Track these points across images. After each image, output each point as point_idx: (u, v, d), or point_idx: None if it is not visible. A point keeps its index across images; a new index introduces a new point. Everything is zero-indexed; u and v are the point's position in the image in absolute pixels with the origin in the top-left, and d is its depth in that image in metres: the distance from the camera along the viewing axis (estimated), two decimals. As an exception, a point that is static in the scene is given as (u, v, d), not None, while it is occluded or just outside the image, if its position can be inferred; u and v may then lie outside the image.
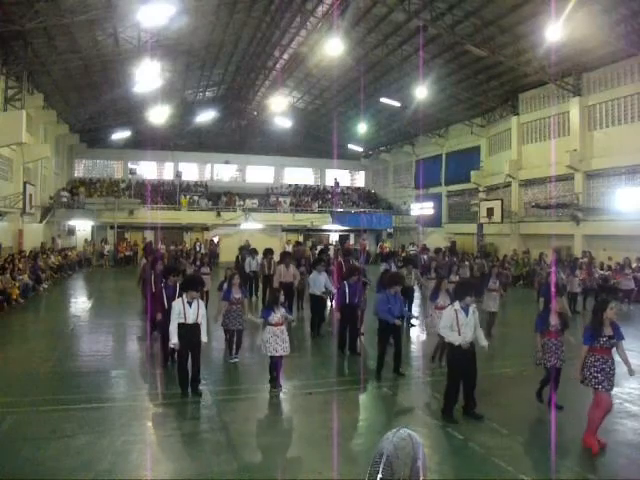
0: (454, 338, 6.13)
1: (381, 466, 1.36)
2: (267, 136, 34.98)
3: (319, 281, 10.95)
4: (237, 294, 8.62)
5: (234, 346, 8.79)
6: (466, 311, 6.23)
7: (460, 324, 6.14)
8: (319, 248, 21.68)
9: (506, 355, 9.55)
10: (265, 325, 7.30)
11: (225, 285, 9.06)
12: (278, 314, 7.27)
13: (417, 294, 13.10)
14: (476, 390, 6.33)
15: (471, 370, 6.25)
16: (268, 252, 14.13)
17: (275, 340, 7.16)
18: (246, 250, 16.91)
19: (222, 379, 8.05)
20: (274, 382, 7.32)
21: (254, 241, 22.77)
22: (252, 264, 15.16)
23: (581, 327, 7.98)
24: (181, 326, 6.84)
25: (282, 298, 7.50)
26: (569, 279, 13.83)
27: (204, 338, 7.00)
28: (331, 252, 18.72)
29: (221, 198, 33.29)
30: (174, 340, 6.78)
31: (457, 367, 6.19)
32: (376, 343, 8.24)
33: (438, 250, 17.75)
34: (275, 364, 7.30)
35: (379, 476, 1.35)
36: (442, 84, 23.33)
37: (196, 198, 32.70)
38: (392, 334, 7.98)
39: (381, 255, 28.22)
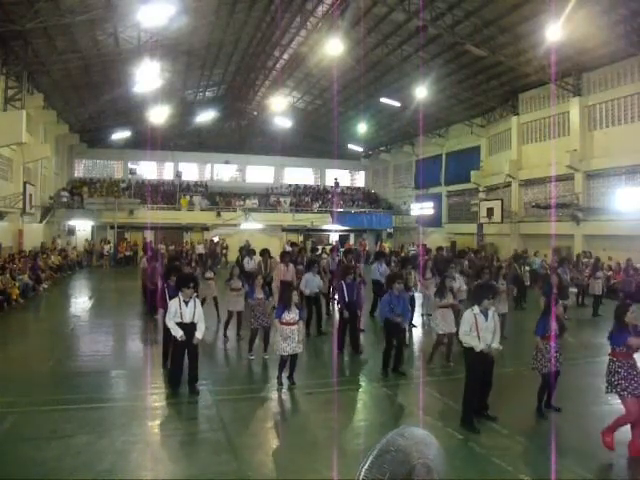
0: (474, 343, 5.92)
1: (367, 464, 1.33)
2: (267, 136, 34.94)
3: (312, 282, 11.19)
4: (259, 294, 8.79)
5: (263, 343, 8.91)
6: (485, 315, 6.05)
7: (480, 328, 5.94)
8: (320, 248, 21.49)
9: (506, 355, 9.52)
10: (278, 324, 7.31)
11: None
12: (292, 314, 7.22)
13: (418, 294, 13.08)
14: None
15: (488, 374, 6.13)
16: (265, 252, 14.24)
17: (284, 339, 7.16)
18: (245, 250, 16.96)
19: (222, 379, 8.03)
20: (280, 379, 7.37)
21: (254, 241, 22.78)
22: (250, 264, 15.21)
23: (602, 331, 7.82)
24: (178, 325, 6.90)
25: (296, 298, 7.36)
26: (590, 281, 13.65)
27: (198, 335, 7.01)
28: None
29: (217, 199, 33.16)
30: (180, 333, 6.84)
31: (477, 373, 5.97)
32: (376, 342, 8.24)
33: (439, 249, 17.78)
34: (285, 363, 7.32)
35: (364, 468, 1.33)
36: (442, 84, 23.31)
37: (196, 198, 32.62)
38: (395, 334, 7.98)
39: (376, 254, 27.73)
